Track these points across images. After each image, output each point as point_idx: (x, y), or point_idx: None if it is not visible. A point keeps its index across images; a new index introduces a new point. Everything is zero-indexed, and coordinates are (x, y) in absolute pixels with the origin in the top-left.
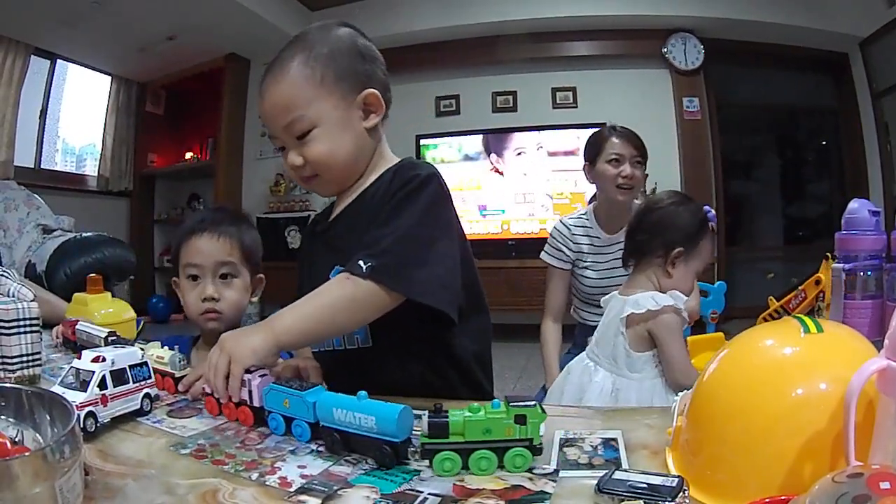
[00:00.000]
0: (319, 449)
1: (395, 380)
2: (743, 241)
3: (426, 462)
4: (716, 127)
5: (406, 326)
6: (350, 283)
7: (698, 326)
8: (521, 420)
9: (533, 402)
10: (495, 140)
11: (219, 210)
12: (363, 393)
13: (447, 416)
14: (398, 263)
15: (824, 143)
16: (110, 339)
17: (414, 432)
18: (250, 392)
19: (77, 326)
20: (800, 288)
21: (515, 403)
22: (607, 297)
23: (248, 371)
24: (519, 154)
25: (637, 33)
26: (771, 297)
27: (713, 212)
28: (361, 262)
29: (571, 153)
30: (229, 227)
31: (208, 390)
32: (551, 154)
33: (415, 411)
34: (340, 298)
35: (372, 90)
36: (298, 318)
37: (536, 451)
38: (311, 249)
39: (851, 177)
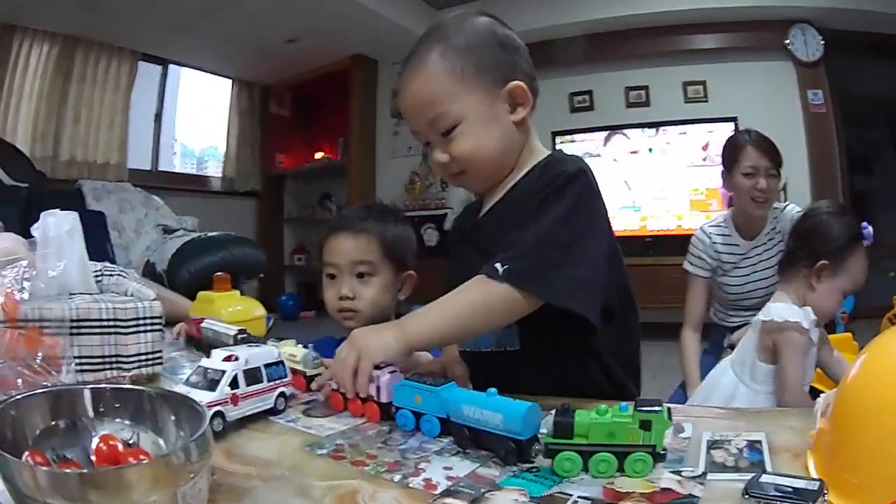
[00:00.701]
0: (454, 446)
1: (540, 382)
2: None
3: (549, 461)
4: (840, 120)
5: (553, 329)
6: (486, 285)
7: (828, 327)
8: (645, 426)
9: (660, 408)
10: (629, 135)
11: (364, 207)
12: (493, 390)
13: (572, 417)
14: (536, 266)
15: None
16: (240, 337)
17: (543, 432)
18: (378, 388)
19: (203, 324)
20: None
21: (643, 409)
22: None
23: (377, 367)
24: (652, 149)
25: (759, 25)
26: (895, 297)
27: (869, 228)
28: (498, 265)
29: (705, 148)
30: (370, 223)
31: (334, 386)
32: (686, 149)
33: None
34: (476, 301)
35: (517, 82)
36: (432, 319)
37: (659, 457)
38: (459, 248)
39: None
